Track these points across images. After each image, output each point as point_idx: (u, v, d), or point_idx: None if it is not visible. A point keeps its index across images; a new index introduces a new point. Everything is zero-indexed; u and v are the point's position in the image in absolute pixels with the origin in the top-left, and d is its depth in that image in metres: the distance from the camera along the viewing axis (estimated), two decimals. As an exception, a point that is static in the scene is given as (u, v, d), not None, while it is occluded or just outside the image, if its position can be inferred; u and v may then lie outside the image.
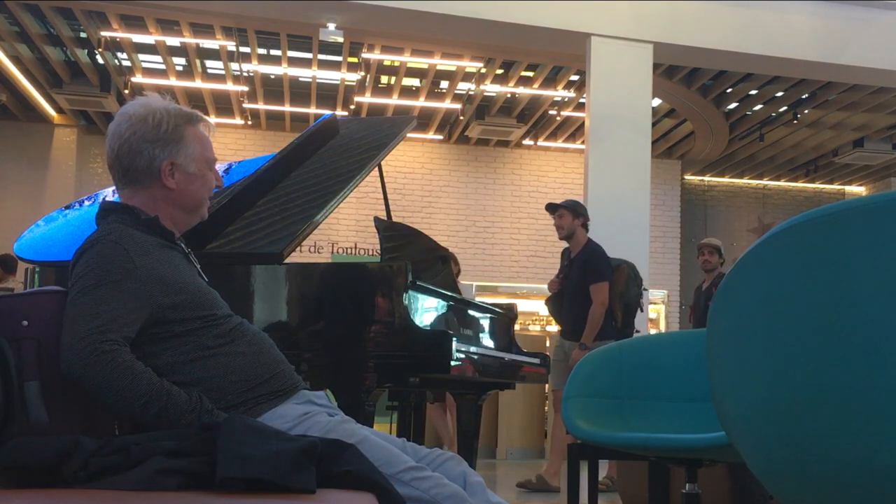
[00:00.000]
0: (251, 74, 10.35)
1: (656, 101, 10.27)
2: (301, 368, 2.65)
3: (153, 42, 9.35)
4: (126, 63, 10.20)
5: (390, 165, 10.16)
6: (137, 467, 1.39)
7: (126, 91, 10.47)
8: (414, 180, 12.30)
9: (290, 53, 9.63)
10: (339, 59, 9.86)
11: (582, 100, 10.22)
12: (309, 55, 9.72)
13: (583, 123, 9.27)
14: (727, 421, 1.32)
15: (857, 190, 14.08)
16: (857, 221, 1.07)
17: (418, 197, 12.24)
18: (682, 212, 13.12)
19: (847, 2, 8.17)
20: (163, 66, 10.11)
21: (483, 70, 9.87)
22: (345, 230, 11.90)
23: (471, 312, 3.56)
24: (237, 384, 1.74)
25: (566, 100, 10.78)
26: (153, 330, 1.71)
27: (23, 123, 11.76)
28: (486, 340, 3.65)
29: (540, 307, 6.32)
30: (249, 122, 11.98)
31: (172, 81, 10.32)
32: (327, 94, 10.94)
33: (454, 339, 2.75)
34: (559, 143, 12.39)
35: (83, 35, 9.40)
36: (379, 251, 3.53)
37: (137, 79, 10.34)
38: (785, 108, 10.69)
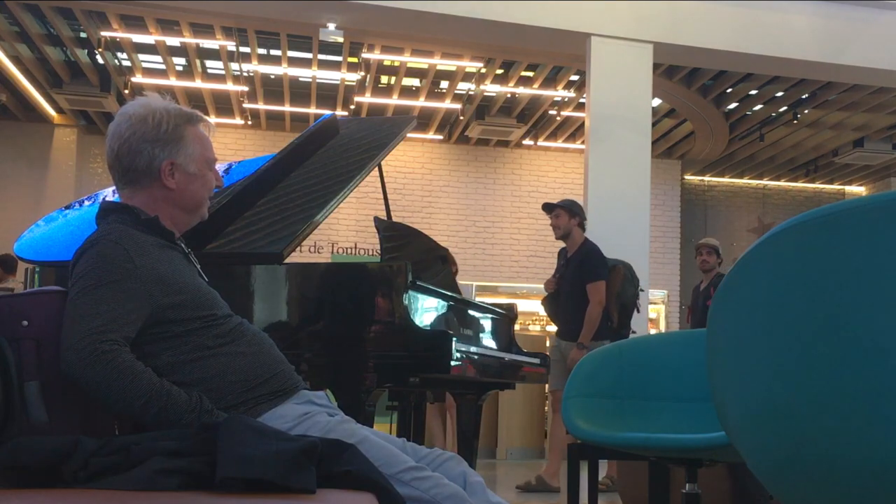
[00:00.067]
0: (251, 74, 10.35)
1: (656, 101, 10.27)
2: (301, 368, 2.65)
3: (153, 42, 9.35)
4: (126, 63, 10.20)
5: (390, 165, 10.16)
6: (137, 467, 1.39)
7: (126, 91, 10.47)
8: (414, 180, 12.30)
9: (290, 53, 9.62)
10: (339, 59, 9.86)
11: (582, 100, 10.22)
12: (309, 55, 9.72)
13: (583, 123, 9.27)
14: (727, 421, 1.32)
15: (857, 190, 14.08)
16: (857, 221, 1.07)
17: (418, 197, 12.24)
18: (682, 212, 13.12)
19: (847, 2, 8.16)
20: (163, 66, 10.11)
21: (483, 70, 9.87)
22: (345, 230, 11.90)
23: (471, 312, 3.56)
24: (237, 384, 1.74)
25: (566, 100, 10.78)
26: (153, 330, 1.71)
27: (23, 123, 11.76)
28: (486, 340, 3.65)
29: (540, 307, 6.31)
30: (249, 122, 11.98)
31: (172, 81, 10.32)
32: (327, 94, 10.94)
33: (454, 339, 2.75)
34: (559, 143, 12.39)
35: (83, 35, 9.40)
36: (379, 251, 3.53)
37: (137, 79, 10.34)
38: (785, 108, 10.69)
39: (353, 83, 10.55)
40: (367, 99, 10.84)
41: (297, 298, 2.94)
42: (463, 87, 10.62)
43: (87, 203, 3.56)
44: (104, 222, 1.83)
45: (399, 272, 2.80)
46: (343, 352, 2.79)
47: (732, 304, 1.26)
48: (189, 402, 1.64)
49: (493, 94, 10.84)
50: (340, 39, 8.20)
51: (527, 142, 12.44)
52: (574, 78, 9.99)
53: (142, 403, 1.60)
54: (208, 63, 10.39)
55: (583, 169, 8.01)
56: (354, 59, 9.87)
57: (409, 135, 4.29)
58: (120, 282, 1.68)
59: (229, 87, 10.63)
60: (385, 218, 3.73)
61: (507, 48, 8.74)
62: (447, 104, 11.04)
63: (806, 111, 10.64)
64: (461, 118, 11.61)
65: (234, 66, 10.09)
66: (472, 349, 3.13)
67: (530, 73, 10.14)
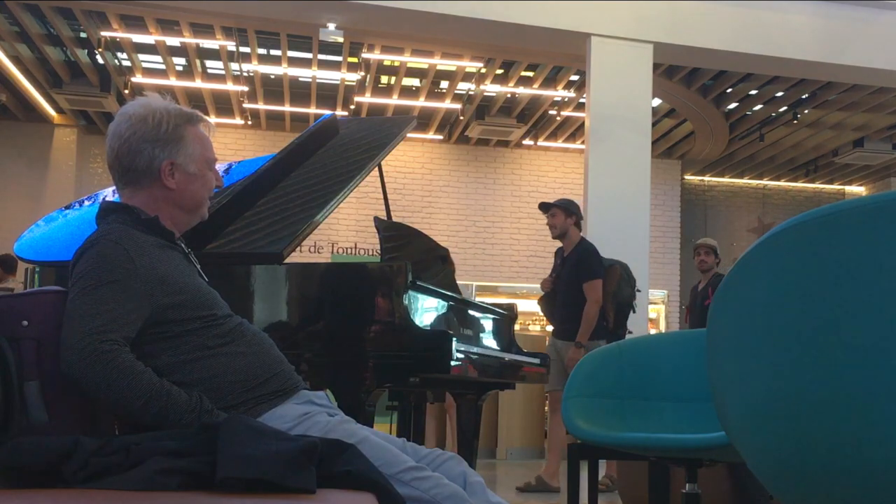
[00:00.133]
0: (251, 74, 10.35)
1: (656, 101, 10.27)
2: (301, 368, 2.65)
3: (153, 42, 9.35)
4: (126, 63, 10.20)
5: (390, 165, 10.16)
6: (137, 467, 1.39)
7: (126, 91, 10.47)
8: (414, 180, 12.30)
9: (290, 53, 9.63)
10: (339, 59, 9.86)
11: (582, 100, 10.22)
12: (309, 55, 9.72)
13: (583, 123, 9.27)
14: (727, 421, 1.32)
15: (857, 190, 14.08)
16: (857, 221, 1.07)
17: (418, 197, 12.25)
18: (682, 212, 13.12)
19: (847, 2, 8.17)
20: (163, 66, 10.11)
21: (483, 70, 9.87)
22: (345, 230, 11.90)
23: (471, 312, 3.56)
24: (237, 384, 1.74)
25: (566, 100, 10.78)
26: (153, 330, 1.71)
27: (23, 123, 11.76)
28: (487, 340, 3.65)
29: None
30: (249, 122, 11.98)
31: (172, 81, 10.32)
32: (327, 94, 10.94)
33: (454, 339, 2.75)
34: (559, 143, 12.40)
35: (83, 35, 9.40)
36: (379, 251, 3.53)
37: (137, 79, 10.34)
38: (785, 108, 10.70)
39: (353, 83, 10.55)
40: (367, 99, 10.85)
41: (297, 298, 2.94)
42: (463, 87, 10.62)
43: (87, 203, 3.56)
44: (104, 222, 1.83)
45: (399, 272, 2.80)
46: (343, 352, 2.79)
47: (732, 304, 1.26)
48: (189, 402, 1.64)
49: (493, 94, 10.84)
50: (340, 39, 8.20)
51: (527, 142, 12.44)
52: (574, 78, 9.99)
53: (142, 403, 1.60)
54: (208, 63, 10.39)
55: (583, 169, 8.01)
56: (354, 59, 9.88)
57: (409, 135, 4.29)
58: (120, 282, 1.68)
59: (229, 87, 10.64)
60: (385, 218, 3.73)
61: (507, 48, 8.74)
62: (447, 104, 11.04)
63: (806, 111, 10.64)
64: (461, 118, 11.61)
65: (234, 66, 10.09)
66: (473, 349, 3.13)
67: (530, 73, 10.14)
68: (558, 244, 5.92)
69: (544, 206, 5.79)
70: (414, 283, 2.84)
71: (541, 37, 7.87)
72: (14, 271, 7.85)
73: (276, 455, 1.38)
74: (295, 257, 3.08)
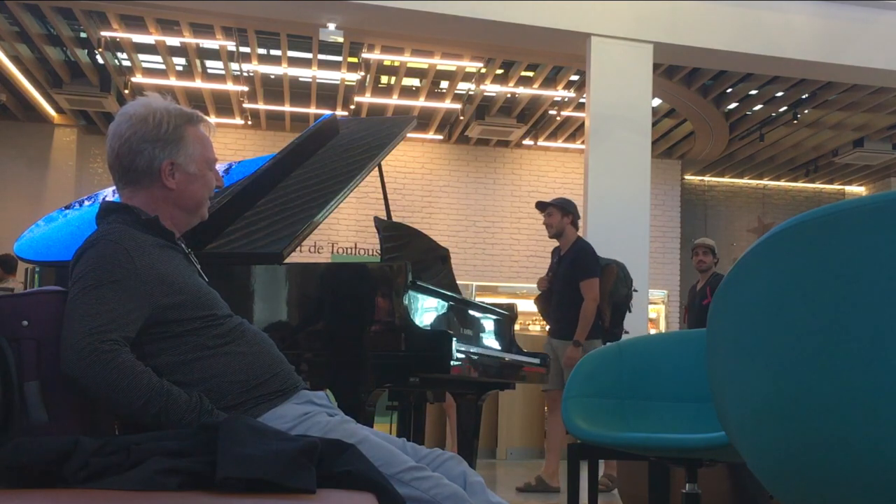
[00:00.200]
0: (251, 74, 10.35)
1: (656, 101, 10.28)
2: (301, 368, 2.65)
3: (153, 42, 9.35)
4: (126, 63, 10.20)
5: (390, 165, 10.17)
6: (137, 467, 1.39)
7: (126, 91, 10.47)
8: (414, 180, 12.30)
9: (290, 53, 9.63)
10: (339, 59, 9.86)
11: (582, 100, 10.22)
12: (309, 55, 9.72)
13: (583, 123, 9.27)
14: (727, 421, 1.32)
15: (857, 190, 14.08)
16: (857, 221, 1.07)
17: (418, 197, 12.25)
18: (681, 212, 13.12)
19: (847, 2, 8.17)
20: (163, 66, 10.11)
21: (483, 70, 9.87)
22: (345, 230, 11.90)
23: (471, 312, 3.56)
24: (237, 384, 1.74)
25: (566, 100, 10.78)
26: (153, 330, 1.72)
27: (23, 123, 11.76)
28: (487, 340, 3.65)
29: (540, 307, 6.29)
30: (249, 122, 11.98)
31: (172, 81, 10.32)
32: (327, 94, 10.94)
33: (454, 339, 2.75)
34: (559, 143, 12.40)
35: (83, 35, 9.40)
36: (379, 251, 3.53)
37: (137, 79, 10.34)
38: (785, 108, 10.70)
39: (353, 83, 10.55)
40: (367, 99, 10.85)
41: (297, 298, 2.94)
42: (463, 87, 10.62)
43: (87, 203, 3.56)
44: (104, 222, 1.83)
45: (399, 272, 2.80)
46: (343, 352, 2.79)
47: (732, 304, 1.26)
48: (189, 402, 1.64)
49: (493, 94, 10.84)
50: (340, 39, 8.20)
51: (527, 142, 12.44)
52: (574, 78, 9.99)
53: (142, 403, 1.60)
54: (208, 63, 10.39)
55: (583, 169, 8.01)
56: (354, 59, 9.88)
57: (409, 135, 4.29)
58: (120, 282, 1.68)
59: (229, 87, 10.64)
60: (385, 218, 3.73)
61: (507, 48, 8.74)
62: (447, 104, 11.04)
63: (806, 111, 10.64)
64: (461, 118, 11.61)
65: (234, 66, 10.09)
66: (473, 349, 3.13)
67: (530, 73, 10.14)
68: (558, 244, 5.92)
69: (541, 205, 5.80)
70: (414, 283, 2.84)
71: (541, 37, 7.87)
72: (14, 271, 7.85)
73: (276, 455, 1.38)
74: (295, 257, 3.08)
